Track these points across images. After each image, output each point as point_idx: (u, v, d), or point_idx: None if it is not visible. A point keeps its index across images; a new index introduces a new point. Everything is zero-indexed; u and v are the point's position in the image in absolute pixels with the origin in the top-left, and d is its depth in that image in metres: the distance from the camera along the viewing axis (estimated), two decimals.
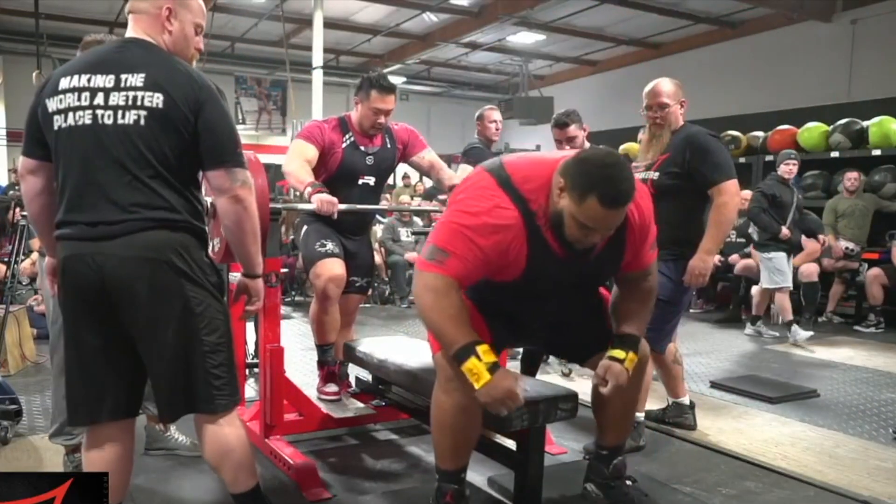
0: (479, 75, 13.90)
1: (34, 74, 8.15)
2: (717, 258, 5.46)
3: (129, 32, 1.74)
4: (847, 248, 5.82)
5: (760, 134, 6.99)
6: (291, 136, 8.39)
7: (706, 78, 10.25)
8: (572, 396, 2.15)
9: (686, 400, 3.01)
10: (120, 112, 1.62)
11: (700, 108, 9.23)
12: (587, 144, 3.26)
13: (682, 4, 9.49)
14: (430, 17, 10.27)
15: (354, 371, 3.01)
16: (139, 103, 1.62)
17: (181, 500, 2.26)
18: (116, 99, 1.63)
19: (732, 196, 2.66)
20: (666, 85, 2.80)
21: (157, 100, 1.62)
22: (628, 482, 2.23)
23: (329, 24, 9.82)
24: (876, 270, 5.49)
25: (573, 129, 3.17)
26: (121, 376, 1.70)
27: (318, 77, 9.49)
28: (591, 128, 3.28)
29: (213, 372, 1.69)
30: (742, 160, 6.96)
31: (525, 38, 11.14)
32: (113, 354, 1.69)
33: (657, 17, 9.70)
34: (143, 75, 1.63)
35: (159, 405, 1.77)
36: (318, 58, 9.41)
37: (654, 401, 3.17)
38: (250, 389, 3.06)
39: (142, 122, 1.62)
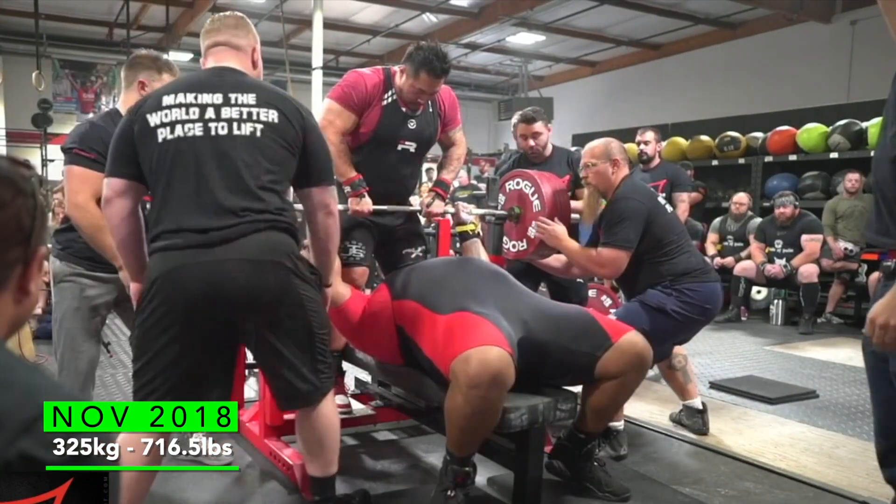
0: (478, 76, 13.88)
1: (34, 74, 8.14)
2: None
3: (218, 62, 1.83)
4: (846, 249, 5.82)
5: (760, 135, 6.99)
6: None
7: (705, 79, 10.26)
8: (572, 397, 2.15)
9: (696, 403, 2.98)
10: (235, 124, 1.70)
11: (699, 109, 9.30)
12: (549, 146, 3.25)
13: (682, 5, 9.49)
14: (430, 18, 10.26)
15: (354, 371, 3.01)
16: (255, 118, 1.71)
17: (181, 501, 2.26)
18: (229, 113, 1.70)
19: (602, 265, 2.56)
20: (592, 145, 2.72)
21: (272, 115, 1.72)
22: (596, 463, 2.32)
23: (329, 24, 9.81)
24: (878, 275, 5.36)
25: (538, 126, 3.20)
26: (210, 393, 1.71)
27: (317, 78, 9.49)
28: (590, 128, 3.34)
29: (321, 358, 1.79)
30: (741, 161, 6.97)
31: (525, 39, 11.13)
32: (205, 371, 1.71)
33: (657, 17, 9.69)
34: (253, 95, 1.73)
35: (278, 398, 1.85)
36: (317, 58, 9.40)
37: (671, 404, 3.18)
38: (250, 390, 3.06)
39: (258, 133, 1.70)
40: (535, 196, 2.78)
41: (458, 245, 3.04)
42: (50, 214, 2.79)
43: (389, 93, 2.50)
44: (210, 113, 1.70)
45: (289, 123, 1.74)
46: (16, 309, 0.79)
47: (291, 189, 1.88)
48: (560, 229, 2.64)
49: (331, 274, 1.96)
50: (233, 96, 1.72)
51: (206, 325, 1.66)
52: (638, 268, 2.58)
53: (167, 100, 1.71)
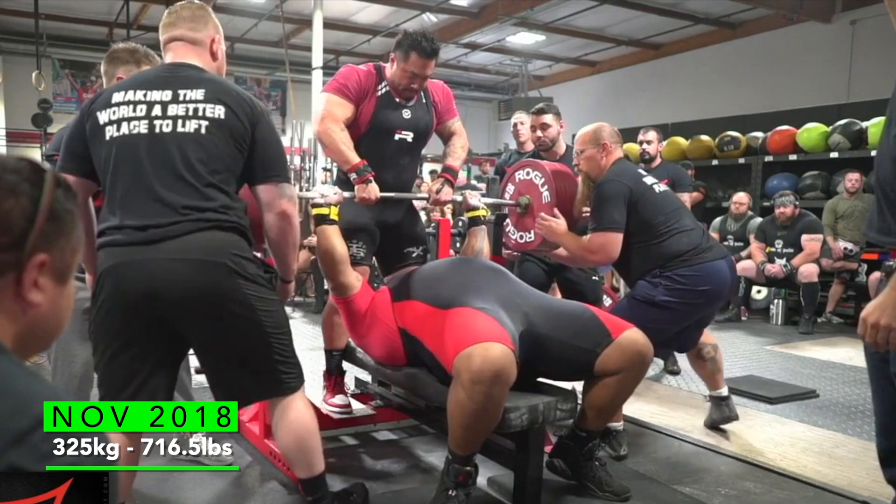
0: (478, 76, 13.89)
1: (34, 74, 8.13)
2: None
3: (176, 59, 1.80)
4: (846, 249, 5.82)
5: (760, 134, 6.99)
6: (291, 137, 8.38)
7: (706, 78, 10.26)
8: (572, 396, 2.15)
9: (723, 391, 2.92)
10: (180, 121, 1.67)
11: (699, 109, 9.30)
12: (562, 144, 3.26)
13: (682, 5, 9.48)
14: (430, 18, 10.26)
15: (354, 371, 3.01)
16: (201, 114, 1.68)
17: (181, 501, 2.26)
18: (176, 110, 1.68)
19: (593, 252, 2.53)
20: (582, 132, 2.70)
21: (218, 111, 1.69)
22: (597, 463, 2.32)
23: (329, 24, 9.81)
24: (879, 275, 5.31)
25: (548, 118, 3.20)
26: (158, 388, 1.70)
27: (317, 78, 9.47)
28: None
29: (281, 358, 1.76)
30: (741, 161, 6.98)
31: (525, 39, 11.13)
32: (151, 367, 1.68)
33: (657, 17, 9.69)
34: (202, 90, 1.70)
35: (224, 395, 1.77)
36: (317, 58, 9.39)
37: (671, 404, 3.17)
38: None
39: (203, 130, 1.68)
40: (545, 187, 2.73)
41: (457, 246, 3.03)
42: None
43: (382, 84, 2.55)
44: (157, 110, 1.68)
45: (236, 118, 1.70)
46: (17, 322, 0.73)
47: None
48: (557, 224, 2.62)
49: (290, 271, 1.94)
50: (182, 93, 1.70)
51: (144, 324, 1.65)
52: (629, 254, 2.53)
53: (117, 97, 1.70)
